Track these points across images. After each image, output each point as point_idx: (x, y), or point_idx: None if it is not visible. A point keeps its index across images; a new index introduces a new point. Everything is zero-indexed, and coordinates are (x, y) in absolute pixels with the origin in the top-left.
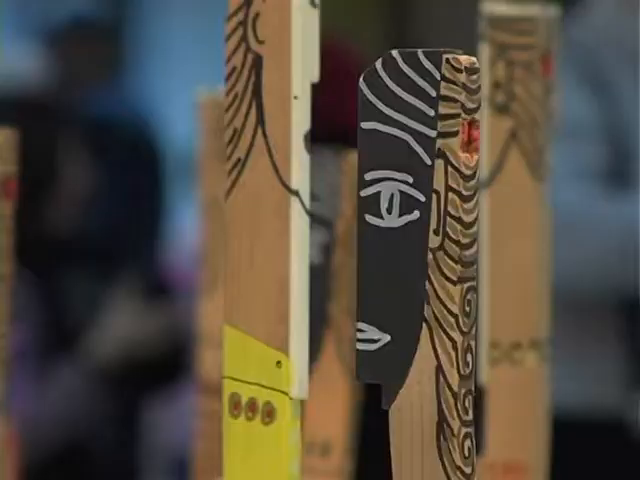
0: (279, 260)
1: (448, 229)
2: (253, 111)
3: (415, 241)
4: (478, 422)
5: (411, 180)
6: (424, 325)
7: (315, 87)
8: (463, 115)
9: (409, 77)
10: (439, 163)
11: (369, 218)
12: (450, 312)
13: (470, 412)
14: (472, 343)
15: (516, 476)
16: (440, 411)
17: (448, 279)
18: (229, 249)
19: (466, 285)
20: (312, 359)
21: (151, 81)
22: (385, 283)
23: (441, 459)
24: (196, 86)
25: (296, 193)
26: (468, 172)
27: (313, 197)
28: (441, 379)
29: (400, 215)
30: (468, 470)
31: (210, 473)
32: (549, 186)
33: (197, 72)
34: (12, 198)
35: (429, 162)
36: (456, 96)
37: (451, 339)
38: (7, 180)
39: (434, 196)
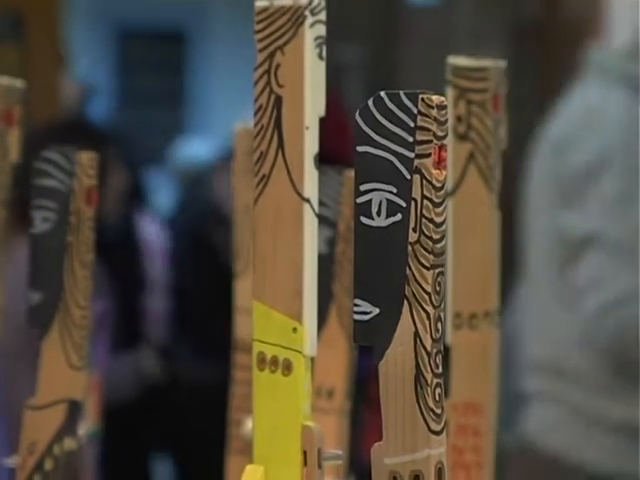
0: (294, 251)
1: (423, 227)
2: (275, 138)
3: (398, 237)
4: (445, 373)
5: (395, 190)
6: (405, 301)
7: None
8: (434, 141)
9: (393, 112)
10: (416, 177)
11: (363, 219)
12: (425, 291)
13: (440, 366)
14: (441, 314)
15: (473, 413)
16: (417, 366)
17: (423, 266)
18: (257, 243)
19: (437, 270)
20: (320, 326)
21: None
22: (375, 268)
23: (418, 403)
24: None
25: (307, 200)
26: (438, 184)
27: (321, 203)
28: (418, 342)
29: (387, 217)
30: (439, 411)
31: (244, 411)
32: (497, 195)
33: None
34: (94, 205)
35: (408, 177)
36: (429, 126)
37: (425, 311)
38: (90, 191)
39: (412, 202)
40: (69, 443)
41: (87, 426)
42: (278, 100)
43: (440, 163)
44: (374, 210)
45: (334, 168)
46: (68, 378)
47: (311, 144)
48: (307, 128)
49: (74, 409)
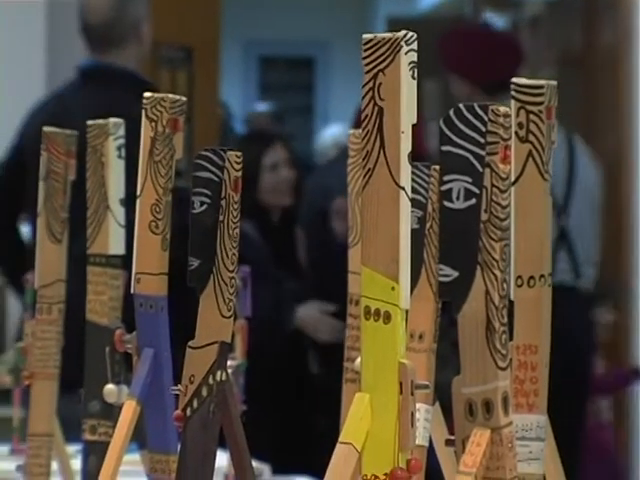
0: (392, 227)
1: (492, 209)
2: (378, 140)
3: (473, 216)
4: (509, 322)
5: (470, 180)
6: (478, 266)
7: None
8: (501, 142)
9: (469, 120)
10: (487, 170)
11: (446, 203)
12: (494, 258)
13: (505, 317)
14: (506, 277)
15: (531, 352)
16: (487, 317)
17: (492, 239)
18: (364, 221)
19: (503, 242)
20: (413, 285)
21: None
22: (456, 240)
23: (488, 346)
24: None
25: (403, 188)
26: (504, 176)
27: (413, 190)
28: (488, 298)
29: (464, 201)
30: (504, 351)
31: (356, 350)
32: (550, 184)
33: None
34: (238, 192)
35: (481, 170)
36: (497, 131)
37: (494, 274)
38: (236, 181)
39: (484, 190)
40: (220, 375)
41: (235, 360)
42: (380, 111)
43: (505, 159)
44: (454, 196)
45: (424, 163)
46: (219, 325)
47: (406, 145)
48: (403, 132)
49: (224, 348)
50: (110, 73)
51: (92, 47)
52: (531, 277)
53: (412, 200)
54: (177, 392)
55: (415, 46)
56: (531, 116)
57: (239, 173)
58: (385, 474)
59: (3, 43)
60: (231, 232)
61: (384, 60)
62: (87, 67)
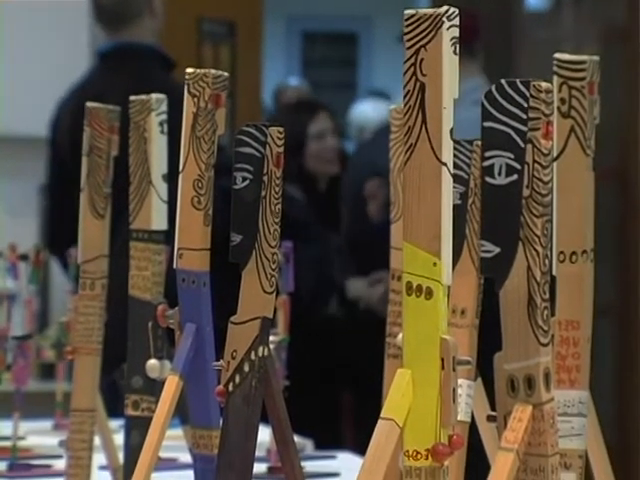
0: (434, 203)
1: (534, 185)
2: (420, 116)
3: (515, 192)
4: (552, 298)
5: (512, 156)
6: (520, 242)
7: None
8: (543, 118)
9: (511, 95)
10: (529, 146)
11: (488, 179)
12: (535, 234)
13: (547, 293)
14: (548, 253)
15: (573, 328)
16: (529, 293)
17: (534, 215)
18: (405, 197)
19: (545, 218)
20: (455, 260)
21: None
22: (498, 216)
23: (530, 321)
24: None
25: (445, 164)
26: (546, 151)
27: (456, 166)
28: (530, 274)
29: (506, 177)
30: (546, 327)
31: (398, 325)
32: (592, 159)
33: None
34: (280, 167)
35: (522, 145)
36: (539, 107)
37: (536, 250)
38: (278, 156)
39: (526, 166)
40: (262, 350)
41: (277, 336)
42: (422, 86)
43: (547, 135)
44: (496, 172)
45: (466, 139)
46: (262, 300)
47: (447, 120)
48: (444, 108)
49: (266, 324)
50: (131, 51)
51: (106, 28)
52: (573, 253)
53: (454, 176)
54: (219, 367)
55: (457, 22)
56: (573, 91)
57: (281, 148)
58: (427, 450)
59: (46, 41)
60: (273, 207)
61: (426, 36)
62: (106, 49)
